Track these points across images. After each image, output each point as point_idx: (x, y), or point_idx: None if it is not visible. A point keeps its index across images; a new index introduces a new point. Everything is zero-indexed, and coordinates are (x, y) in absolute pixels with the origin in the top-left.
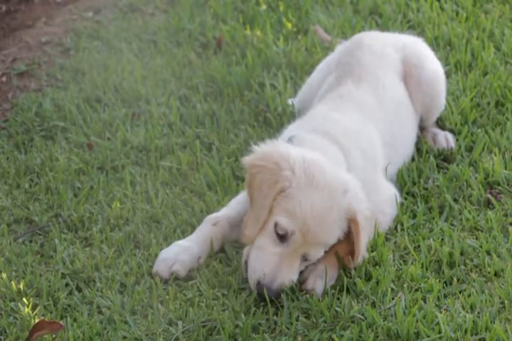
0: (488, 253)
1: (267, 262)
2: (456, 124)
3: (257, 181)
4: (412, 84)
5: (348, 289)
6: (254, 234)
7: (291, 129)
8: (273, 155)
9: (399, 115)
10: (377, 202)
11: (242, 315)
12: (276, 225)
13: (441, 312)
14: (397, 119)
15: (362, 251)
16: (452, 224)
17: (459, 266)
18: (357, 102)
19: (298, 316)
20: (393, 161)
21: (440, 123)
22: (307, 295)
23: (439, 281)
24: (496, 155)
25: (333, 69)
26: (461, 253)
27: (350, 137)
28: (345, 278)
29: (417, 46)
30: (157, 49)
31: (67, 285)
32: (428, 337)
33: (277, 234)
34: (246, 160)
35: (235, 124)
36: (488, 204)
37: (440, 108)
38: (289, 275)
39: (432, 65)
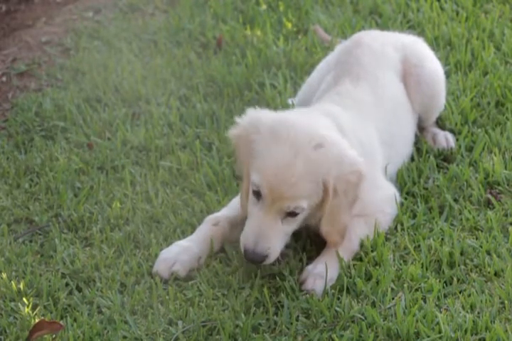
0: (488, 253)
1: (249, 225)
2: (456, 124)
3: (237, 152)
4: (412, 84)
5: (348, 289)
6: (245, 203)
7: None
8: (245, 123)
9: (397, 115)
10: (376, 201)
11: (242, 315)
12: (251, 185)
13: (441, 312)
14: (395, 119)
15: (332, 219)
16: (452, 224)
17: (459, 266)
18: (355, 100)
19: (298, 316)
20: (392, 161)
21: (440, 123)
22: (307, 295)
23: (439, 281)
24: (495, 155)
25: (332, 69)
26: (461, 253)
27: (349, 128)
28: (345, 278)
29: (417, 46)
30: (157, 49)
31: (67, 285)
32: (428, 337)
33: (254, 193)
34: (229, 134)
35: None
36: (488, 204)
37: (440, 108)
38: (272, 237)
39: (432, 65)
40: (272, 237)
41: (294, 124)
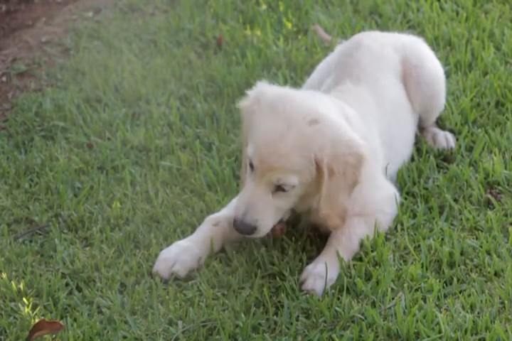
0: (488, 253)
1: (241, 196)
2: (456, 124)
3: (242, 124)
4: (412, 84)
5: (348, 289)
6: (244, 176)
7: None
8: (250, 95)
9: (397, 115)
10: (376, 201)
11: (242, 315)
12: (247, 156)
13: (441, 312)
14: (395, 119)
15: (330, 201)
16: (452, 224)
17: (459, 266)
18: (357, 99)
19: (298, 316)
20: (392, 161)
21: (440, 123)
22: (307, 295)
23: (439, 281)
24: (496, 155)
25: (332, 70)
26: (461, 253)
27: (355, 121)
28: (345, 278)
29: (417, 46)
30: (157, 49)
31: (67, 285)
32: (428, 337)
33: (249, 165)
34: (238, 105)
35: (234, 124)
36: (488, 204)
37: (440, 108)
38: (262, 209)
39: (432, 65)
40: (261, 209)
41: (293, 99)
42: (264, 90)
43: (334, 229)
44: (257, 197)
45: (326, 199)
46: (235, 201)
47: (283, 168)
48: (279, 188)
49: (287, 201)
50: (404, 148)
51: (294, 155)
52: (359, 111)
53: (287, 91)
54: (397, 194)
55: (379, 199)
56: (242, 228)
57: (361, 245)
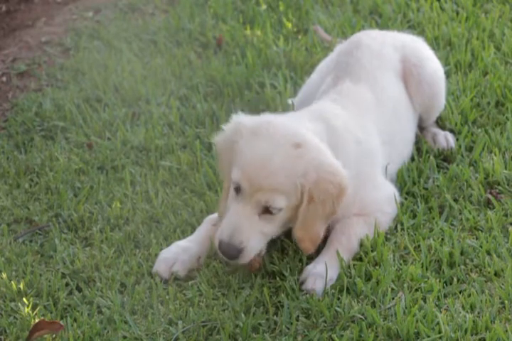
0: (488, 253)
1: (226, 218)
2: (456, 124)
3: (219, 157)
4: (412, 84)
5: (348, 289)
6: (222, 205)
7: None
8: (228, 128)
9: (397, 114)
10: (376, 200)
11: (242, 315)
12: (232, 182)
13: (441, 312)
14: (395, 119)
15: (305, 225)
16: (452, 224)
17: (459, 266)
18: (355, 100)
19: (298, 316)
20: (393, 161)
21: (440, 123)
22: (307, 295)
23: (439, 281)
24: (496, 155)
25: (332, 70)
26: (461, 253)
27: (344, 128)
28: (345, 278)
29: (417, 45)
30: (157, 49)
31: (67, 285)
32: (428, 337)
33: (234, 190)
34: (214, 141)
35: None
36: (488, 204)
37: (440, 107)
38: (248, 231)
39: (432, 64)
40: (247, 231)
41: (274, 124)
42: (242, 120)
43: (306, 253)
44: (244, 219)
45: (302, 224)
46: None
47: (271, 188)
48: (266, 211)
49: (272, 226)
50: (405, 147)
51: (281, 175)
52: (358, 110)
53: (268, 117)
54: (397, 193)
55: (378, 199)
56: (228, 250)
57: (361, 245)
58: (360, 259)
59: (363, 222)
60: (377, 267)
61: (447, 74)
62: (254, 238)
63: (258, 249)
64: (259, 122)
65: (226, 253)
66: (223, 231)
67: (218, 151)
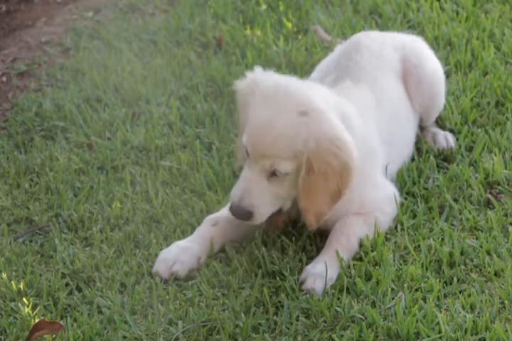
0: (488, 253)
1: (238, 182)
2: (456, 124)
3: (238, 112)
4: (412, 84)
5: (348, 289)
6: (238, 163)
7: None
8: (243, 86)
9: (397, 114)
10: (375, 200)
11: (242, 315)
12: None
13: (441, 312)
14: (395, 118)
15: (307, 197)
16: (452, 224)
17: (459, 266)
18: (355, 99)
19: (298, 316)
20: (393, 160)
21: (440, 123)
22: (307, 295)
23: (439, 281)
24: (496, 155)
25: (331, 70)
26: (461, 253)
27: (353, 121)
28: (345, 278)
29: (417, 45)
30: (157, 49)
31: (67, 285)
32: (428, 337)
33: (246, 152)
34: (236, 88)
35: (234, 124)
36: (488, 204)
37: (439, 107)
38: (257, 194)
39: (432, 64)
40: (257, 194)
41: (288, 88)
42: (258, 79)
43: (309, 228)
44: (253, 183)
45: (305, 193)
46: None
47: (273, 155)
48: (273, 174)
49: (282, 187)
50: (405, 147)
51: (281, 143)
52: (358, 110)
53: (284, 79)
54: (397, 193)
55: (378, 198)
56: (239, 213)
57: (361, 245)
58: (360, 259)
59: (362, 222)
60: (377, 267)
61: (447, 74)
62: (264, 200)
63: (270, 210)
64: (273, 84)
65: (237, 215)
66: (234, 195)
67: (238, 103)
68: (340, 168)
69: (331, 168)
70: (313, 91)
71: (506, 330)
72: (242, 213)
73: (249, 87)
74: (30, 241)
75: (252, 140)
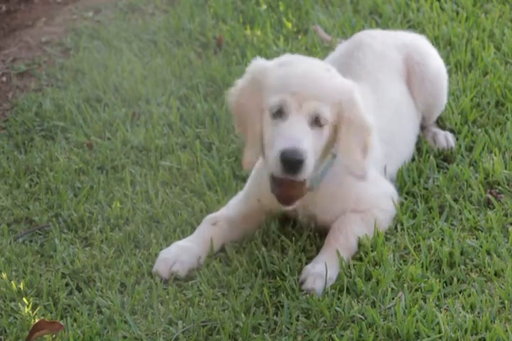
0: (488, 253)
1: (280, 135)
2: (456, 124)
3: (240, 103)
4: (415, 82)
5: (348, 289)
6: (250, 153)
7: None
8: (248, 73)
9: (399, 115)
10: (372, 195)
11: (242, 315)
12: (270, 111)
13: (441, 312)
14: (396, 117)
15: (346, 150)
16: (452, 224)
17: (459, 266)
18: None
19: (298, 316)
20: (392, 160)
21: (440, 122)
22: (307, 295)
23: (439, 281)
24: (496, 155)
25: None
26: (461, 253)
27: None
28: (345, 277)
29: (419, 43)
30: (157, 49)
31: (67, 285)
32: (428, 337)
33: (274, 117)
34: (230, 106)
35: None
36: (488, 204)
37: (442, 106)
38: (306, 141)
39: (435, 62)
40: (306, 141)
41: (301, 58)
42: (262, 62)
43: (359, 179)
44: (301, 129)
45: (344, 146)
46: (234, 200)
47: (316, 97)
48: (315, 123)
49: (320, 142)
50: (405, 147)
51: (322, 84)
52: None
53: (293, 56)
54: (395, 193)
55: (374, 194)
56: (292, 160)
57: (361, 245)
58: (360, 259)
59: (360, 220)
60: (377, 267)
61: (447, 74)
62: (311, 151)
63: (312, 163)
64: (284, 58)
65: (290, 163)
66: (285, 141)
67: (236, 100)
68: (366, 127)
69: (360, 125)
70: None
71: (506, 330)
72: (296, 161)
73: (257, 71)
74: (30, 241)
75: (292, 87)
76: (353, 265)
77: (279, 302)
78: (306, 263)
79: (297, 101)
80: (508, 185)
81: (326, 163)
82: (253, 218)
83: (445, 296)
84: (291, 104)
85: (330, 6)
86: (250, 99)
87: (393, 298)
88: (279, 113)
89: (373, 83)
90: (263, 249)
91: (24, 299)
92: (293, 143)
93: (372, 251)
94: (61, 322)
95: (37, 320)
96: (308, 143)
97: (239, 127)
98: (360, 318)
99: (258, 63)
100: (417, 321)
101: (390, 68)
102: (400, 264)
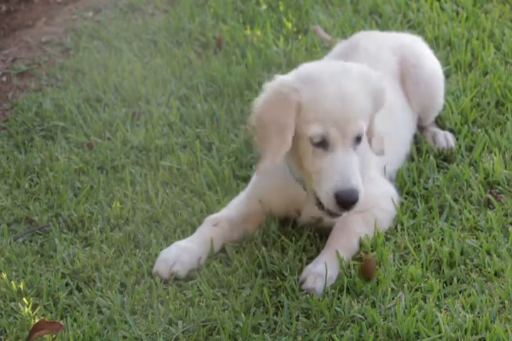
0: (488, 253)
1: (332, 172)
2: (456, 124)
3: (267, 117)
4: (410, 84)
5: (348, 289)
6: (277, 160)
7: None
8: (269, 91)
9: (392, 115)
10: (372, 194)
11: (242, 315)
12: (311, 140)
13: (441, 312)
14: (389, 120)
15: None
16: (452, 224)
17: (459, 266)
18: None
19: (298, 316)
20: (390, 160)
21: (440, 123)
22: (307, 295)
23: (439, 281)
24: (496, 155)
25: None
26: (461, 253)
27: None
28: (345, 277)
29: (415, 45)
30: (157, 49)
31: (67, 285)
32: (428, 337)
33: (318, 146)
34: (252, 118)
35: (235, 124)
36: (488, 204)
37: (439, 107)
38: (357, 171)
39: (430, 64)
40: (357, 173)
41: (323, 65)
42: (284, 78)
43: (377, 154)
44: (351, 162)
45: (372, 135)
46: (234, 201)
47: (357, 116)
48: (356, 142)
49: (360, 158)
50: (402, 147)
51: (359, 97)
52: None
53: (304, 66)
54: (395, 193)
55: (374, 193)
56: (351, 196)
57: (361, 245)
58: (361, 259)
59: (361, 220)
60: (377, 267)
61: (447, 74)
62: (361, 180)
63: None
64: (306, 71)
65: (349, 200)
66: (339, 181)
67: (260, 115)
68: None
69: (383, 97)
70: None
71: (506, 330)
72: (354, 196)
73: (282, 88)
74: (30, 241)
75: (334, 115)
76: (353, 265)
77: (279, 302)
78: (307, 263)
79: (340, 131)
80: (508, 185)
81: None
82: (254, 219)
83: (445, 296)
84: (335, 136)
85: (330, 6)
86: (277, 115)
87: (393, 298)
88: (323, 143)
89: None
90: (263, 248)
91: (24, 299)
92: (347, 184)
93: (372, 251)
94: (61, 322)
95: (37, 320)
96: (359, 175)
97: (260, 139)
98: (360, 318)
99: (282, 80)
100: (417, 321)
101: (384, 70)
102: (400, 264)
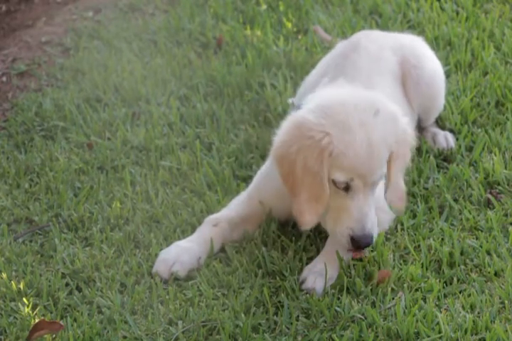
0: (488, 253)
1: (349, 215)
2: (456, 124)
3: (299, 164)
4: (411, 84)
5: (348, 289)
6: (319, 211)
7: None
8: (296, 131)
9: None
10: (376, 199)
11: (242, 315)
12: (334, 182)
13: (441, 312)
14: None
15: (395, 186)
16: (452, 224)
17: (459, 266)
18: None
19: (298, 316)
20: None
21: (440, 123)
22: (307, 295)
23: (439, 281)
24: (496, 155)
25: (329, 69)
26: (461, 253)
27: None
28: (345, 277)
29: (416, 45)
30: (157, 49)
31: (67, 285)
32: (428, 337)
33: (340, 188)
34: (274, 153)
35: (235, 124)
36: (488, 204)
37: (439, 107)
38: (373, 215)
39: (431, 65)
40: (373, 216)
41: (345, 99)
42: (304, 117)
43: (400, 214)
44: (369, 208)
45: (392, 186)
46: (234, 201)
47: (379, 166)
48: (376, 184)
49: (375, 197)
50: None
51: (381, 149)
52: None
53: (323, 99)
54: None
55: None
56: (366, 241)
57: None
58: (360, 259)
59: None
60: (377, 267)
61: (447, 74)
62: (375, 219)
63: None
64: (331, 109)
65: (363, 243)
66: (355, 226)
67: (290, 162)
68: (412, 141)
69: (408, 147)
70: (356, 92)
71: (506, 330)
72: (370, 240)
73: (312, 129)
74: (30, 241)
75: (360, 169)
76: (353, 265)
77: (279, 302)
78: (307, 263)
79: (364, 180)
80: (508, 185)
81: None
82: (254, 219)
83: (445, 296)
84: (358, 185)
85: (330, 6)
86: (311, 163)
87: (393, 298)
88: (346, 187)
89: (366, 83)
90: (263, 248)
91: (24, 299)
92: (363, 231)
93: (372, 251)
94: (61, 322)
95: (37, 320)
96: (374, 216)
97: (290, 184)
98: (360, 318)
99: (307, 120)
100: (417, 321)
101: (384, 71)
102: (400, 264)
